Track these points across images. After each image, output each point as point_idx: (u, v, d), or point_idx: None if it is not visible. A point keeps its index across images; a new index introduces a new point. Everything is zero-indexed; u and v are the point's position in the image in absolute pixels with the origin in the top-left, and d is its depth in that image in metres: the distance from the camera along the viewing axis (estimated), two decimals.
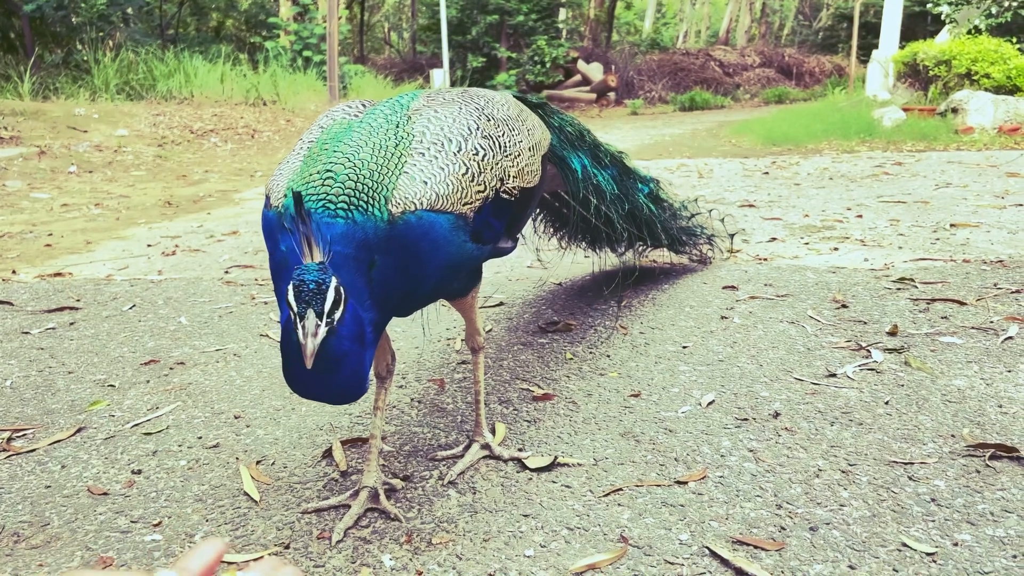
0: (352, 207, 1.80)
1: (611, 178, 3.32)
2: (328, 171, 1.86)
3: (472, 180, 2.00)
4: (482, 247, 2.13)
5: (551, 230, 3.81)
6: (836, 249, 4.83)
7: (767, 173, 8.10)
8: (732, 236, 4.38)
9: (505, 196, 2.15)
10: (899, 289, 3.84)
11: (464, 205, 1.97)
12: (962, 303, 3.58)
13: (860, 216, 5.75)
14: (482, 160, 2.05)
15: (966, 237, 4.94)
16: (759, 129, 13.29)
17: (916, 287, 3.85)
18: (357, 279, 1.80)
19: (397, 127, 2.01)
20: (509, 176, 2.15)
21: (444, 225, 1.93)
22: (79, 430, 2.82)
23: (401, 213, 1.85)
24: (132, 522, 2.21)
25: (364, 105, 2.21)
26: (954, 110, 11.83)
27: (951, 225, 5.25)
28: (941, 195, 6.34)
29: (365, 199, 1.82)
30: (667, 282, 4.20)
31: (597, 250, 3.73)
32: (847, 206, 6.15)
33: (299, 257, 1.69)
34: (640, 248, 3.83)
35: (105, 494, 2.37)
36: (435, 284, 2.05)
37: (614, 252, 3.75)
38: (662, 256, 4.48)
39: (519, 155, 2.21)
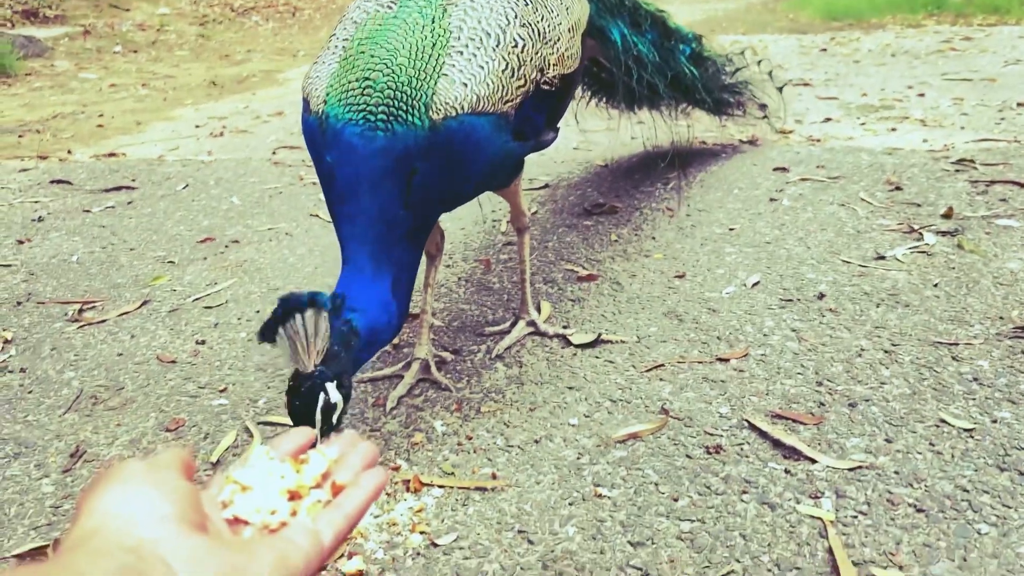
0: (392, 118, 1.78)
1: (652, 44, 3.22)
2: (367, 79, 1.81)
3: (512, 75, 1.94)
4: (524, 144, 2.10)
5: (588, 94, 3.74)
6: (894, 130, 4.67)
7: (825, 50, 7.76)
8: (781, 89, 4.17)
9: (546, 87, 2.09)
10: (958, 171, 3.73)
11: (505, 103, 1.93)
12: (1023, 185, 3.47)
13: (922, 95, 5.52)
14: (522, 52, 1.97)
15: None
16: (818, 2, 12.60)
17: (976, 168, 3.73)
18: (395, 190, 1.81)
19: (433, 23, 1.92)
20: (549, 65, 2.08)
21: (486, 127, 1.89)
22: (144, 303, 2.96)
23: (442, 119, 1.81)
24: (200, 387, 2.36)
25: None
26: None
27: (1018, 104, 5.02)
28: (1010, 72, 6.03)
29: (405, 108, 1.79)
30: (715, 164, 4.14)
31: (637, 110, 3.66)
32: (909, 84, 5.89)
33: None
34: (684, 108, 3.74)
35: (173, 362, 2.51)
36: (477, 184, 2.05)
37: (655, 112, 3.68)
38: (710, 134, 4.39)
39: (559, 39, 2.12)
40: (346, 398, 1.68)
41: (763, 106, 4.09)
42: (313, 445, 0.93)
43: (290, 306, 1.56)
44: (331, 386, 1.62)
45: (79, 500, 0.68)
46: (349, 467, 0.87)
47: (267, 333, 1.56)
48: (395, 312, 1.85)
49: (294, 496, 0.81)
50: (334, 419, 1.65)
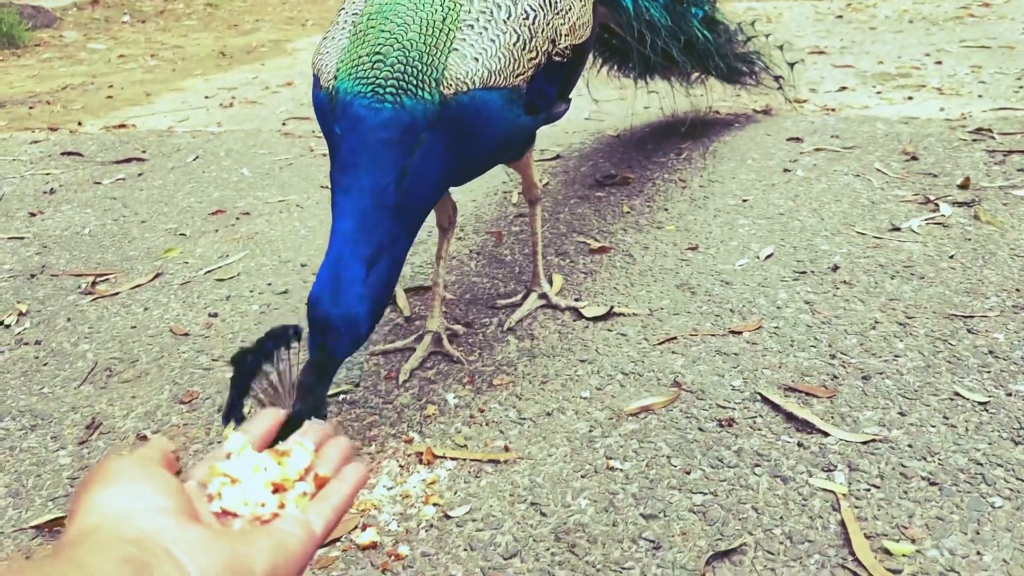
0: (401, 91, 1.75)
1: (663, 8, 3.17)
2: (378, 53, 1.79)
3: (524, 48, 1.91)
4: (536, 117, 2.08)
5: (600, 61, 3.69)
6: (910, 98, 4.61)
7: (841, 16, 7.63)
8: (792, 65, 4.11)
9: (558, 59, 2.06)
10: (975, 140, 3.68)
11: (517, 77, 1.90)
12: None
13: (939, 62, 5.43)
14: (533, 24, 1.94)
15: None
16: None
17: (994, 138, 3.68)
18: (394, 163, 1.76)
19: None
20: (561, 36, 2.05)
21: (497, 101, 1.87)
22: (157, 275, 2.97)
23: (454, 94, 1.79)
24: (213, 360, 2.37)
25: None
26: None
27: None
28: None
29: (416, 82, 1.76)
30: (729, 134, 4.09)
31: (650, 79, 3.62)
32: (926, 52, 5.79)
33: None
34: (698, 76, 3.70)
35: (186, 334, 2.53)
36: (489, 157, 2.03)
37: (667, 81, 3.64)
38: (724, 104, 4.34)
39: (570, 8, 2.09)
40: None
41: (778, 78, 4.04)
42: (284, 427, 0.93)
43: (249, 365, 1.45)
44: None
45: (73, 502, 0.69)
46: (328, 460, 0.88)
47: (237, 410, 1.43)
48: (368, 307, 1.72)
49: (278, 488, 0.81)
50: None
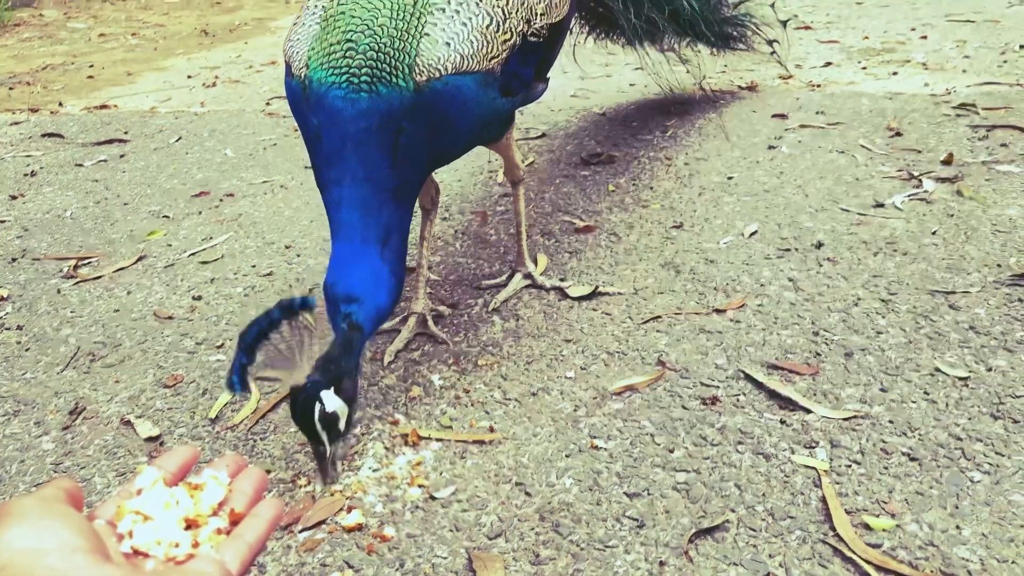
0: (376, 80, 1.74)
1: None
2: (349, 41, 1.77)
3: (497, 30, 1.88)
4: (512, 99, 2.06)
5: (587, 29, 3.66)
6: (895, 73, 4.60)
7: None
8: (785, 23, 4.07)
9: (533, 39, 2.03)
10: (959, 115, 3.68)
11: (491, 60, 1.87)
12: None
13: (924, 37, 5.42)
14: (507, 5, 1.91)
15: None
16: None
17: (977, 113, 3.68)
18: (382, 151, 1.77)
19: None
20: (536, 15, 2.01)
21: (471, 86, 1.84)
22: (140, 258, 2.95)
23: (426, 81, 1.77)
24: (197, 343, 2.36)
25: None
26: None
27: (1020, 47, 4.93)
28: (1014, 13, 5.91)
29: (389, 69, 1.74)
30: (715, 111, 4.08)
31: (638, 46, 3.59)
32: (911, 26, 5.78)
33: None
34: (687, 42, 3.67)
35: (170, 318, 2.51)
36: (467, 141, 2.02)
37: (657, 47, 3.62)
38: (710, 80, 4.32)
39: None
40: (350, 402, 1.60)
41: (771, 41, 4.00)
42: (197, 462, 0.92)
43: (255, 333, 1.46)
44: (328, 394, 1.56)
45: None
46: (242, 493, 0.87)
47: (240, 379, 1.46)
48: (392, 284, 1.80)
49: (191, 524, 0.80)
50: (341, 426, 1.58)
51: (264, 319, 1.47)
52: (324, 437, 1.57)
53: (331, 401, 1.56)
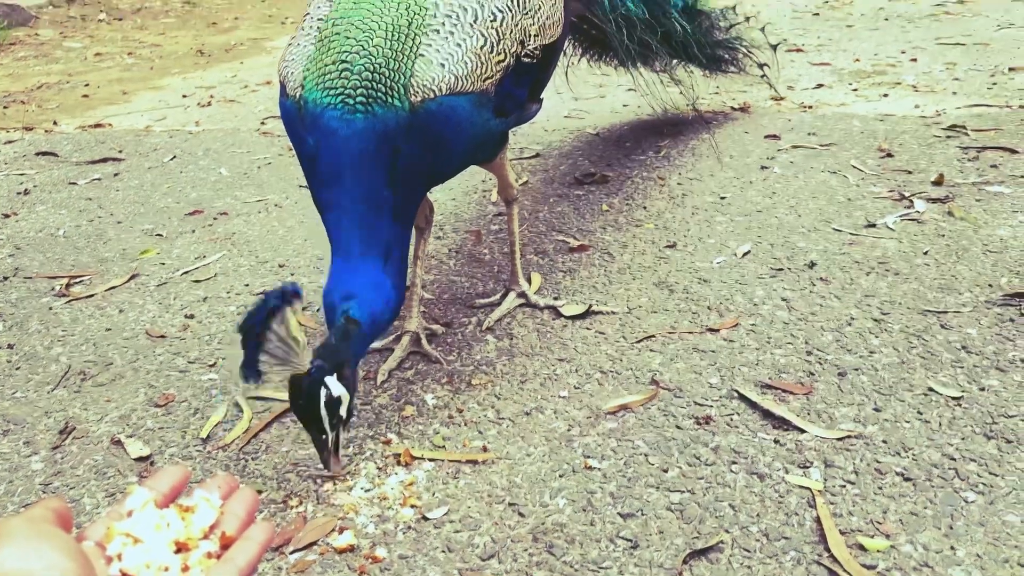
0: (371, 100, 1.75)
1: (640, 1, 3.17)
2: (344, 61, 1.78)
3: (491, 51, 1.89)
4: (506, 119, 2.07)
5: (580, 51, 3.68)
6: (886, 95, 4.64)
7: (818, 14, 7.67)
8: (775, 47, 4.10)
9: (527, 60, 2.04)
10: (949, 137, 3.71)
11: (485, 81, 1.89)
12: (1014, 151, 3.46)
13: (915, 60, 5.47)
14: (500, 26, 1.92)
15: None
16: None
17: (967, 135, 3.72)
18: (379, 171, 1.79)
19: None
20: (530, 36, 2.03)
21: (466, 106, 1.86)
22: (133, 277, 2.94)
23: (421, 101, 1.78)
24: (189, 362, 2.35)
25: None
26: None
27: (1010, 69, 4.98)
28: (1002, 36, 5.98)
29: (384, 90, 1.76)
30: (708, 131, 4.11)
31: (631, 68, 3.61)
32: (902, 49, 5.84)
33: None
34: (680, 63, 3.69)
35: (162, 336, 2.50)
36: (461, 161, 2.04)
37: (649, 68, 3.64)
38: (703, 101, 4.35)
39: (539, 8, 2.07)
40: (351, 390, 1.66)
41: (762, 65, 4.04)
42: (188, 482, 0.91)
43: (255, 324, 1.53)
44: (331, 379, 1.62)
45: None
46: (234, 515, 0.86)
47: (252, 369, 1.54)
48: (392, 293, 1.84)
49: (181, 548, 0.79)
50: (342, 412, 1.64)
51: (261, 308, 1.52)
52: (327, 424, 1.62)
53: (335, 386, 1.62)
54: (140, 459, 1.95)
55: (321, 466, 1.76)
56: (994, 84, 4.66)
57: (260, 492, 1.80)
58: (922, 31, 6.45)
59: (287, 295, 1.55)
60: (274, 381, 1.61)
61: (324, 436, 1.66)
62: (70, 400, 2.21)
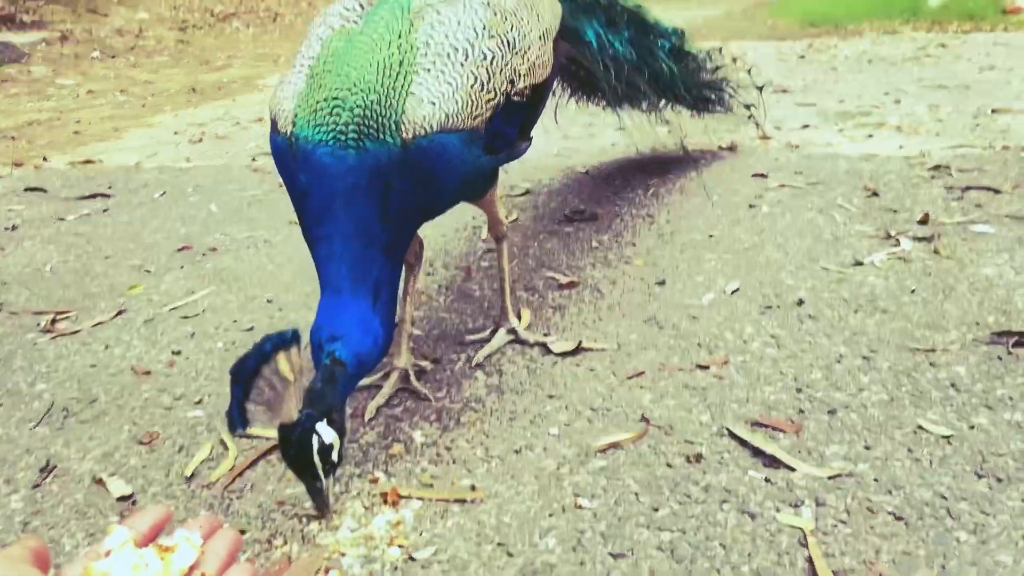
0: (363, 136, 1.76)
1: (628, 42, 3.21)
2: (335, 98, 1.79)
3: (481, 89, 1.91)
4: (496, 157, 2.09)
5: (568, 92, 3.73)
6: (871, 136, 4.71)
7: (803, 57, 7.83)
8: (761, 88, 4.17)
9: (516, 99, 2.07)
10: (933, 177, 3.76)
11: (475, 118, 1.90)
12: (997, 191, 3.51)
13: (898, 101, 5.57)
14: (491, 65, 1.94)
15: (1007, 123, 4.78)
16: (797, 9, 12.76)
17: (951, 175, 3.77)
18: (372, 206, 1.80)
19: (400, 38, 1.88)
20: (520, 76, 2.05)
21: (456, 143, 1.87)
22: (119, 313, 2.92)
23: (412, 138, 1.80)
24: (175, 399, 2.32)
25: (362, 6, 2.05)
26: None
27: (992, 111, 5.08)
28: (984, 79, 6.10)
29: (375, 126, 1.77)
30: (696, 170, 4.15)
31: (619, 108, 3.65)
32: (885, 91, 5.95)
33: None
34: (667, 104, 3.74)
35: (148, 373, 2.48)
36: (451, 197, 2.05)
37: (637, 109, 3.68)
38: (690, 140, 4.40)
39: (529, 48, 2.09)
40: (341, 433, 1.64)
41: (748, 105, 4.10)
42: (170, 521, 0.90)
43: (248, 369, 1.51)
44: (322, 426, 1.59)
45: None
46: (214, 555, 0.85)
47: (239, 415, 1.51)
48: (380, 332, 1.82)
49: None
50: (334, 457, 1.63)
51: (256, 354, 1.50)
52: (321, 471, 1.60)
53: (327, 433, 1.59)
54: (122, 498, 1.91)
55: (309, 506, 1.73)
56: (977, 126, 4.74)
57: (244, 532, 1.76)
58: (905, 74, 6.58)
59: (286, 340, 1.54)
60: (263, 423, 1.60)
61: (319, 483, 1.63)
62: (52, 437, 2.18)
